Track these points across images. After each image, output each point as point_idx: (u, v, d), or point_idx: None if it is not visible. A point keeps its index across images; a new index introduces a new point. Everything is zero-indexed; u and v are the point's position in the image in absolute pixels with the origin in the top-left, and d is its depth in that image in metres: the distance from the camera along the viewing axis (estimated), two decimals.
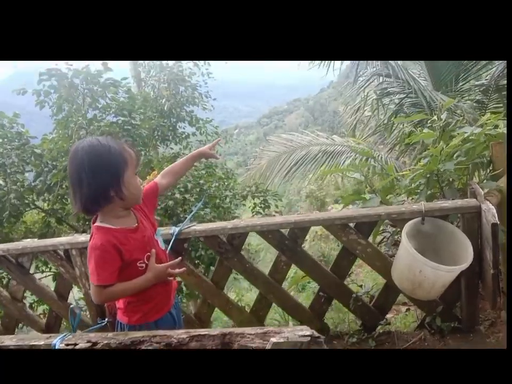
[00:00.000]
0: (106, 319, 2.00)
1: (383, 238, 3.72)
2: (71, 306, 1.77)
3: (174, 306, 1.87)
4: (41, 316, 3.39)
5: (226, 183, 5.65)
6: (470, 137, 2.50)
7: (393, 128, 6.94)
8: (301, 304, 2.92)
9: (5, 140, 4.46)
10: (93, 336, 1.68)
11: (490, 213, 2.13)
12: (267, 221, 2.62)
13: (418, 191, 2.65)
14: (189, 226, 2.69)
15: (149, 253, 1.65)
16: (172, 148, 7.33)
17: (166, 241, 2.69)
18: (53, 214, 4.77)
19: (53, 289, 3.17)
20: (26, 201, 4.48)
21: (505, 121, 2.57)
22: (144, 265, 1.64)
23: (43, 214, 5.22)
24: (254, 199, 5.44)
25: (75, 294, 3.28)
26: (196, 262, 4.48)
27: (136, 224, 1.67)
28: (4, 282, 3.62)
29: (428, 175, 2.48)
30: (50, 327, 3.31)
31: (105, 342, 1.60)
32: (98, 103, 4.59)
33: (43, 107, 4.65)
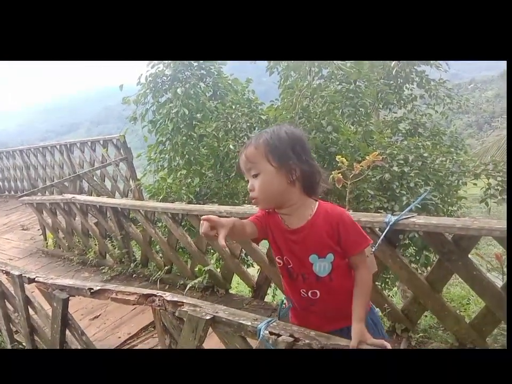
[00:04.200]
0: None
1: None
2: (283, 298, 1.75)
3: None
4: (252, 276, 3.66)
5: (455, 158, 4.90)
6: None
7: None
8: None
9: (237, 105, 4.86)
10: (296, 330, 1.64)
11: None
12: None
13: None
14: (408, 217, 2.38)
15: (287, 258, 1.52)
16: (395, 112, 6.80)
17: (381, 230, 2.49)
18: None
19: (265, 252, 3.34)
20: None
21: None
22: (281, 262, 1.55)
23: None
24: (489, 179, 4.56)
25: None
26: (411, 259, 4.10)
27: (294, 228, 1.48)
28: None
29: None
30: (260, 286, 3.55)
31: (307, 341, 1.54)
32: (323, 72, 4.48)
33: (272, 73, 4.85)
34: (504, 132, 6.84)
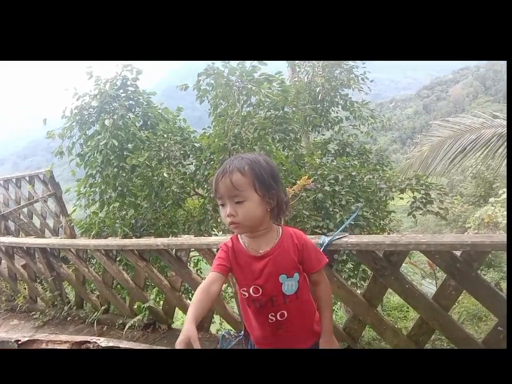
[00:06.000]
0: (242, 333, 1.90)
1: None
2: (223, 332, 1.74)
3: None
4: None
5: (381, 174, 5.17)
6: None
7: None
8: (473, 337, 2.44)
9: (169, 134, 4.83)
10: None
11: None
12: (435, 240, 2.21)
13: None
14: (341, 237, 2.45)
15: (256, 286, 1.56)
16: (323, 134, 7.10)
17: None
18: (209, 201, 5.05)
19: None
20: (188, 190, 4.83)
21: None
22: (247, 293, 1.59)
23: (202, 200, 5.56)
24: (413, 193, 4.85)
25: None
26: (349, 274, 4.23)
27: (263, 251, 1.56)
28: (166, 272, 3.91)
29: None
30: (204, 317, 3.46)
31: None
32: (252, 100, 4.59)
33: (202, 101, 4.88)
34: (425, 148, 7.35)
